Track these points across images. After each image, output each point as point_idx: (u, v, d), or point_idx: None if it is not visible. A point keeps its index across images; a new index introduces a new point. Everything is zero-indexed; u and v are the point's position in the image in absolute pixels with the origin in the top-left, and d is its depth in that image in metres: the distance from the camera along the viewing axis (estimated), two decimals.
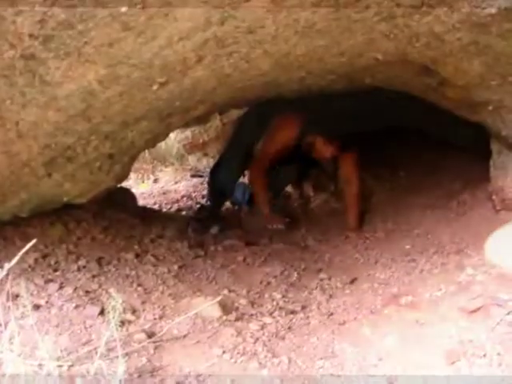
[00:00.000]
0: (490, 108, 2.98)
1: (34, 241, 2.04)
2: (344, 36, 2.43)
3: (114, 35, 1.85)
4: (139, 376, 2.05)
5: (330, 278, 3.36)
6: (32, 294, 2.53)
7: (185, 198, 5.61)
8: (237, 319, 2.62)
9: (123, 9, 1.71)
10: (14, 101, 2.09)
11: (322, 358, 2.31)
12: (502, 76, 2.62)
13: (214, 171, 5.00)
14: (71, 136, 2.59)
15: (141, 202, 5.04)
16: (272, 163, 4.53)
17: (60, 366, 1.99)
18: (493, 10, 2.05)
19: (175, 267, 3.28)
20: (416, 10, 2.15)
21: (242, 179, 5.16)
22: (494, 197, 3.40)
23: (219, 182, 4.88)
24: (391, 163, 4.98)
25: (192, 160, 6.60)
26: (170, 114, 2.97)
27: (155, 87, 2.42)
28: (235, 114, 5.67)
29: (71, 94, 2.17)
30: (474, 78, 2.70)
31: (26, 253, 2.04)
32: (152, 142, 3.46)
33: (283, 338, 2.52)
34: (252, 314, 2.75)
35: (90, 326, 2.36)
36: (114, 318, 2.07)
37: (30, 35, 1.73)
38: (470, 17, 2.14)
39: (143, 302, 2.68)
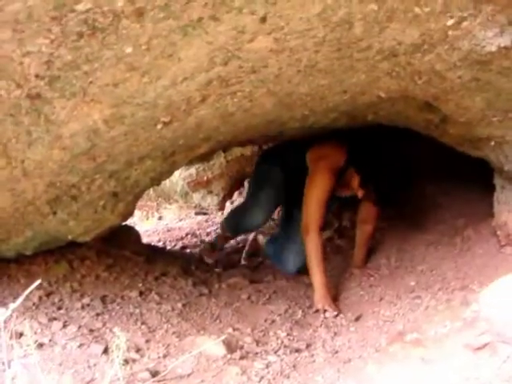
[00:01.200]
0: (492, 144, 3.00)
1: (38, 281, 2.04)
2: (346, 75, 2.46)
3: (119, 75, 1.88)
4: None
5: (334, 316, 3.34)
6: (36, 333, 2.52)
7: (189, 236, 5.61)
8: (241, 358, 2.60)
9: (128, 50, 1.73)
10: (20, 140, 2.11)
11: None
12: (503, 112, 2.64)
13: (237, 214, 4.72)
14: (76, 175, 2.60)
15: (145, 240, 5.04)
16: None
17: None
18: (493, 48, 2.07)
19: (179, 305, 3.27)
20: (417, 48, 2.18)
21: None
22: (498, 232, 3.39)
23: (246, 225, 4.58)
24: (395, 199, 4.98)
25: (196, 197, 6.61)
26: (173, 153, 2.99)
27: (159, 126, 2.44)
28: (239, 151, 5.71)
29: (76, 133, 2.18)
30: (476, 114, 2.72)
31: (30, 291, 2.04)
32: (156, 180, 3.47)
33: (288, 377, 2.50)
34: (257, 353, 2.74)
35: (94, 365, 2.35)
36: (117, 356, 2.06)
37: (37, 75, 1.75)
38: (471, 55, 2.16)
39: (147, 341, 2.67)
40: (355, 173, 3.78)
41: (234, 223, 4.69)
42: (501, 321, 2.14)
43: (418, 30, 2.03)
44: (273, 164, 4.37)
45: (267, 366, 2.58)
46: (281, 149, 4.56)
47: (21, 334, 2.39)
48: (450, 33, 2.03)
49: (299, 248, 4.01)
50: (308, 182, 3.88)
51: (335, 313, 3.42)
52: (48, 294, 2.99)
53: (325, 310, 3.45)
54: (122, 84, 1.94)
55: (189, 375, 2.38)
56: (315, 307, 3.53)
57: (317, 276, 3.67)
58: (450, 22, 1.96)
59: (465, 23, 1.97)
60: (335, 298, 3.65)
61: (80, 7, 1.46)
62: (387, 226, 4.68)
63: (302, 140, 4.27)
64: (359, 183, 3.75)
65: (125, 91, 2.00)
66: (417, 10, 1.88)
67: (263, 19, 1.77)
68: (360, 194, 3.78)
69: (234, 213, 4.85)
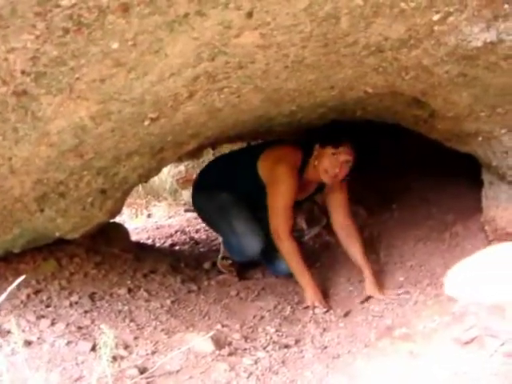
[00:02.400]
0: (480, 139, 3.01)
1: (22, 277, 2.04)
2: (334, 70, 2.46)
3: (106, 71, 1.87)
4: None
5: (323, 312, 3.35)
6: (23, 331, 2.51)
7: (178, 233, 5.60)
8: (230, 354, 2.60)
9: (114, 45, 1.73)
10: (7, 137, 2.10)
11: None
12: (490, 107, 2.64)
13: (234, 247, 4.17)
14: (63, 171, 2.59)
15: (134, 237, 5.03)
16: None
17: None
18: (479, 44, 2.08)
19: (168, 302, 3.27)
20: (404, 43, 2.18)
21: None
22: (486, 227, 3.41)
23: (248, 256, 4.12)
24: (383, 195, 4.99)
25: (185, 195, 6.60)
26: (162, 149, 2.99)
27: (147, 122, 2.44)
28: (228, 148, 5.70)
29: (63, 129, 2.18)
30: (464, 109, 2.73)
31: (18, 289, 2.04)
32: (145, 177, 3.46)
33: (277, 373, 2.51)
34: (245, 349, 2.74)
35: (82, 362, 2.34)
36: (105, 353, 2.06)
37: (23, 72, 1.74)
38: (457, 50, 2.17)
39: (136, 338, 2.67)
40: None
41: (239, 251, 4.15)
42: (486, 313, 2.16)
43: (404, 25, 2.03)
44: (218, 189, 4.18)
45: (256, 362, 2.58)
46: (219, 169, 4.33)
47: (8, 332, 2.39)
48: (436, 28, 2.04)
49: None
50: (269, 190, 3.79)
51: (325, 309, 3.42)
52: (36, 292, 2.97)
53: (315, 307, 3.45)
54: (109, 80, 1.94)
55: (177, 372, 2.38)
56: (305, 304, 3.53)
57: (302, 277, 3.66)
58: (436, 17, 1.96)
59: (451, 18, 1.97)
60: (324, 294, 3.65)
61: (65, 2, 1.46)
62: (376, 222, 4.69)
63: (245, 151, 4.43)
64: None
65: (111, 87, 1.99)
66: (403, 4, 1.88)
67: (249, 14, 1.77)
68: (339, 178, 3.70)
69: (230, 245, 4.29)
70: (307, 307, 3.48)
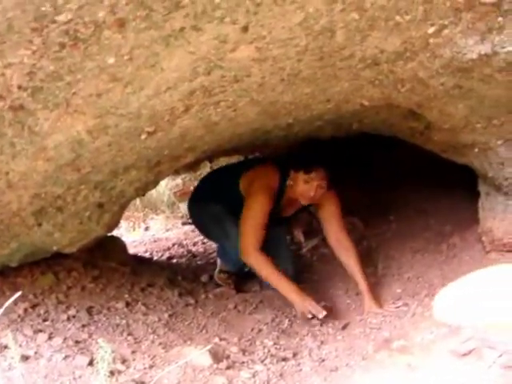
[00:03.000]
0: (476, 150, 3.01)
1: (19, 293, 2.03)
2: (330, 83, 2.47)
3: (102, 86, 1.88)
4: None
5: (321, 324, 3.34)
6: (20, 345, 2.51)
7: (176, 246, 5.59)
8: (228, 367, 2.60)
9: (110, 60, 1.74)
10: (4, 151, 2.10)
11: None
12: (486, 118, 2.65)
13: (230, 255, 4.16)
14: (61, 186, 2.59)
15: (132, 250, 5.02)
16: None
17: None
18: (474, 56, 2.09)
19: (166, 316, 3.27)
20: (399, 56, 2.20)
21: None
22: (483, 238, 3.41)
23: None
24: (380, 207, 5.00)
25: (183, 207, 6.59)
26: (158, 163, 2.99)
27: (143, 136, 2.44)
28: (225, 161, 5.71)
29: (60, 144, 2.18)
30: (459, 121, 2.74)
31: (15, 303, 2.04)
32: (142, 190, 3.47)
33: None
34: (243, 362, 2.73)
35: (80, 377, 2.33)
36: (103, 368, 2.05)
37: (19, 87, 1.75)
38: (453, 62, 2.18)
39: (133, 352, 2.66)
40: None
41: (234, 258, 4.04)
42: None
43: (399, 38, 2.04)
44: (212, 201, 4.17)
45: (254, 376, 2.57)
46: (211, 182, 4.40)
47: (5, 347, 2.38)
48: (431, 40, 2.05)
49: (285, 260, 4.10)
50: (244, 206, 3.80)
51: (322, 314, 3.35)
52: (33, 306, 2.97)
53: (312, 316, 3.38)
54: (105, 94, 1.94)
55: None
56: (300, 315, 3.48)
57: (282, 287, 3.58)
58: (431, 30, 1.98)
59: (445, 31, 1.98)
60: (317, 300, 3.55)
61: (61, 18, 1.46)
62: (373, 234, 4.69)
63: (232, 168, 4.42)
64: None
65: (108, 102, 2.00)
66: (398, 18, 1.89)
67: (245, 28, 1.78)
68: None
69: (225, 253, 4.35)
70: (306, 318, 3.41)
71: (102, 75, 1.81)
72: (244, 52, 1.93)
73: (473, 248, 3.54)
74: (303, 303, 3.44)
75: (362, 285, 3.61)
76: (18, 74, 1.68)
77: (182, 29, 1.69)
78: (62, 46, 1.59)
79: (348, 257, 3.79)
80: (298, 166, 3.77)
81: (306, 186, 3.75)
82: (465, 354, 2.22)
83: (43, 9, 1.41)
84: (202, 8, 1.61)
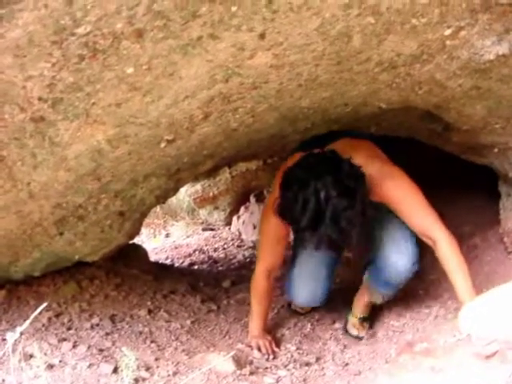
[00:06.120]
0: (496, 151, 3.00)
1: (44, 304, 2.05)
2: (347, 87, 2.47)
3: (121, 96, 1.89)
4: None
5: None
6: (45, 354, 2.52)
7: (197, 252, 5.61)
8: (251, 373, 2.60)
9: (129, 70, 1.75)
10: (25, 162, 2.12)
11: None
12: (505, 119, 2.65)
13: None
14: (82, 195, 2.62)
15: (153, 258, 5.04)
16: None
17: None
18: (491, 57, 2.08)
19: (188, 322, 3.28)
20: (416, 59, 2.19)
21: None
22: (505, 239, 3.39)
23: None
24: None
25: (203, 214, 6.62)
26: (178, 170, 3.00)
27: (163, 145, 2.45)
28: (244, 166, 5.72)
29: (80, 154, 2.20)
30: (478, 121, 2.73)
31: (39, 312, 2.05)
32: (162, 198, 3.48)
33: None
34: (266, 368, 2.74)
35: None
36: (127, 375, 2.07)
37: (40, 99, 1.77)
38: (470, 63, 2.18)
39: (157, 359, 2.67)
40: None
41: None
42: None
43: (416, 41, 2.04)
44: None
45: (277, 381, 2.58)
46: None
47: (31, 356, 2.40)
48: (447, 42, 2.05)
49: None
50: None
51: (259, 355, 3.03)
52: (57, 315, 2.99)
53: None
54: (125, 104, 1.95)
55: None
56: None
57: (251, 317, 3.29)
58: (448, 32, 1.97)
59: (462, 32, 1.98)
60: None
61: (80, 30, 1.48)
62: None
63: None
64: None
65: (127, 111, 2.01)
66: (414, 21, 1.89)
67: (262, 36, 1.78)
68: None
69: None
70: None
71: (121, 85, 1.83)
72: (261, 59, 1.94)
73: (494, 249, 3.52)
74: (253, 337, 3.18)
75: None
76: (39, 86, 1.69)
77: (199, 37, 1.70)
78: (82, 57, 1.61)
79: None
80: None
81: None
82: (488, 357, 2.21)
83: (62, 22, 1.43)
84: (218, 16, 1.62)
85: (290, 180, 2.62)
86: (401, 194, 2.89)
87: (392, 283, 3.17)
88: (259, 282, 3.21)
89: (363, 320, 3.41)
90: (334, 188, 2.49)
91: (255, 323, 3.23)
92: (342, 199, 2.50)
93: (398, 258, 3.10)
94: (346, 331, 3.43)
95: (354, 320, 3.42)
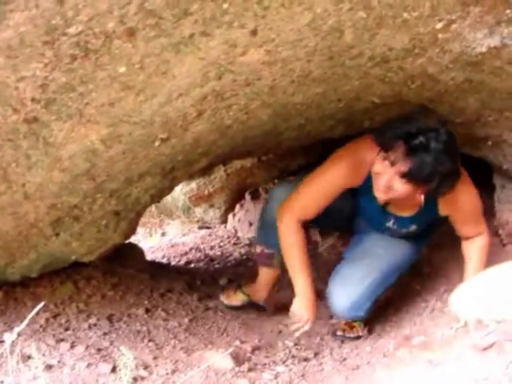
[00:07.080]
0: (490, 143, 3.01)
1: (41, 304, 2.05)
2: (340, 82, 2.47)
3: (114, 95, 1.89)
4: None
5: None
6: (44, 355, 2.52)
7: (193, 250, 5.60)
8: (250, 370, 2.61)
9: (122, 69, 1.75)
10: (20, 163, 2.12)
11: None
12: (498, 111, 2.65)
13: None
14: (77, 195, 2.61)
15: (149, 256, 5.03)
16: None
17: None
18: (483, 49, 2.09)
19: (186, 320, 3.27)
20: (408, 53, 2.20)
21: None
22: (500, 231, 3.40)
23: None
24: None
25: (199, 212, 6.61)
26: (173, 169, 3.00)
27: (157, 143, 2.45)
28: (239, 164, 5.71)
29: (75, 154, 2.20)
30: (471, 114, 2.74)
31: (37, 313, 2.05)
32: (157, 196, 3.48)
33: None
34: (265, 364, 2.74)
35: None
36: (126, 375, 2.07)
37: (33, 99, 1.77)
38: (462, 56, 2.18)
39: (155, 358, 2.67)
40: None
41: None
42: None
43: (407, 35, 2.04)
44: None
45: (276, 377, 2.58)
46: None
47: (29, 357, 2.40)
48: (439, 36, 2.05)
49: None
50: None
51: (300, 330, 2.92)
52: (55, 316, 2.99)
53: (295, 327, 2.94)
54: (118, 103, 1.95)
55: None
56: (289, 313, 2.98)
57: (296, 276, 2.96)
58: (439, 25, 1.98)
59: (454, 26, 1.98)
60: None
61: (72, 30, 1.48)
62: None
63: None
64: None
65: (121, 110, 2.01)
66: (405, 15, 1.89)
67: (254, 32, 1.78)
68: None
69: None
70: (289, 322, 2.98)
71: (114, 84, 1.83)
72: (254, 55, 1.94)
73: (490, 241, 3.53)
74: (305, 309, 2.93)
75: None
76: (31, 86, 1.69)
77: (191, 35, 1.70)
78: (74, 57, 1.61)
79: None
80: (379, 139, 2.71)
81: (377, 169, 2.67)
82: (486, 349, 2.22)
83: (54, 22, 1.43)
84: (210, 14, 1.62)
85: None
86: (464, 199, 2.88)
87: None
88: (294, 225, 2.91)
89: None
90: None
91: (302, 281, 2.92)
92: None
93: (338, 299, 3.07)
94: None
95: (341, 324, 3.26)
